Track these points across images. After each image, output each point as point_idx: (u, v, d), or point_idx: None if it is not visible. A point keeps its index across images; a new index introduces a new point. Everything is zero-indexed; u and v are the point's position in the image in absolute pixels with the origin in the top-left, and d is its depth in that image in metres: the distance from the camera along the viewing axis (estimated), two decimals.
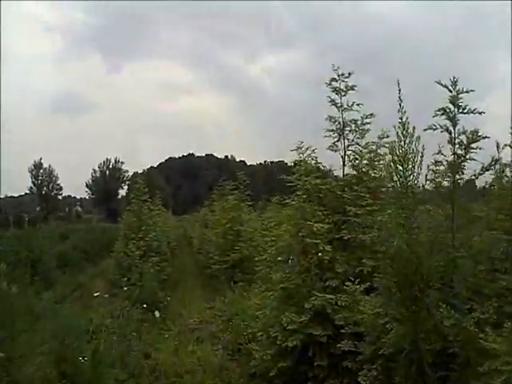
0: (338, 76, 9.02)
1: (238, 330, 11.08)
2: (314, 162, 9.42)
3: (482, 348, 4.83)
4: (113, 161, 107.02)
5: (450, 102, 6.06)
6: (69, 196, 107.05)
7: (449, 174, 6.00)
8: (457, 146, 6.02)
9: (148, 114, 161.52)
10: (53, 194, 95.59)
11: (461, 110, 6.04)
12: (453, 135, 6.02)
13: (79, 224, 60.48)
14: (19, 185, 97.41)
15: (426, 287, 5.55)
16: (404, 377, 5.55)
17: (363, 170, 9.01)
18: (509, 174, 6.39)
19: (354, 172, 9.07)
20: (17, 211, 65.54)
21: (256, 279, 12.05)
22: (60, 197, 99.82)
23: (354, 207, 8.36)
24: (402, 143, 5.85)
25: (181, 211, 73.16)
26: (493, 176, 6.25)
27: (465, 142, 6.00)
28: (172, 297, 16.19)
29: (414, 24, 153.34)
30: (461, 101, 6.05)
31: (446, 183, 6.13)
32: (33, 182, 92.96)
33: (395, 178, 5.89)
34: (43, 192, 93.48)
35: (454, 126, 6.02)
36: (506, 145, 6.18)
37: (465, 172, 6.06)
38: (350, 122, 9.04)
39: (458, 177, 6.02)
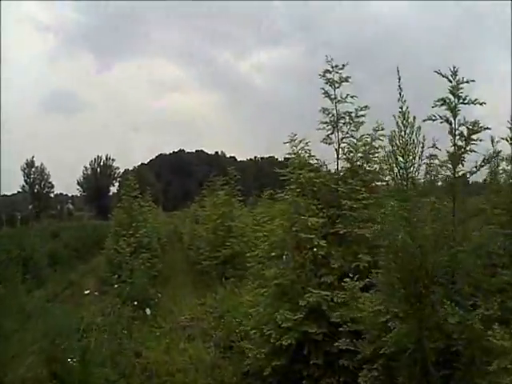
0: (332, 68, 8.82)
1: (230, 327, 10.95)
2: (307, 155, 9.22)
3: (487, 346, 4.68)
4: (104, 158, 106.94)
5: (450, 93, 5.93)
6: (60, 194, 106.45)
7: (449, 166, 5.83)
8: (457, 137, 5.86)
9: (139, 112, 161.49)
10: (45, 192, 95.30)
11: (461, 101, 5.89)
12: (453, 126, 5.87)
13: (70, 222, 60.55)
14: (12, 184, 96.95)
15: (430, 283, 5.36)
16: (407, 377, 5.36)
17: (358, 163, 8.81)
18: (506, 168, 6.26)
19: (349, 165, 8.87)
20: (9, 210, 65.21)
21: (248, 275, 11.92)
22: (52, 195, 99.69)
23: (349, 201, 8.18)
24: (403, 133, 5.67)
25: (171, 207, 72.90)
26: (487, 170, 6.18)
27: (465, 134, 5.85)
28: (163, 293, 16.00)
29: (408, 23, 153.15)
30: (461, 91, 5.91)
31: (441, 177, 5.99)
32: (25, 181, 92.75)
33: (395, 170, 5.71)
34: (35, 190, 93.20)
35: (455, 116, 5.88)
36: (502, 138, 6.08)
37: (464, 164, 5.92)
38: (345, 114, 8.83)
39: (458, 169, 5.86)
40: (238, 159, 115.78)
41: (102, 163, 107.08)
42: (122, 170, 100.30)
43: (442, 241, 5.47)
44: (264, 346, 8.12)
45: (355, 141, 8.84)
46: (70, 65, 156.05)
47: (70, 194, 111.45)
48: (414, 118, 5.71)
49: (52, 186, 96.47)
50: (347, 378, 6.96)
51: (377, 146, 8.71)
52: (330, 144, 8.86)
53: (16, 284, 11.69)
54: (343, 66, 8.79)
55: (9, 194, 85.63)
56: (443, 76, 5.94)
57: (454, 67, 5.96)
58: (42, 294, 15.16)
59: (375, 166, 8.75)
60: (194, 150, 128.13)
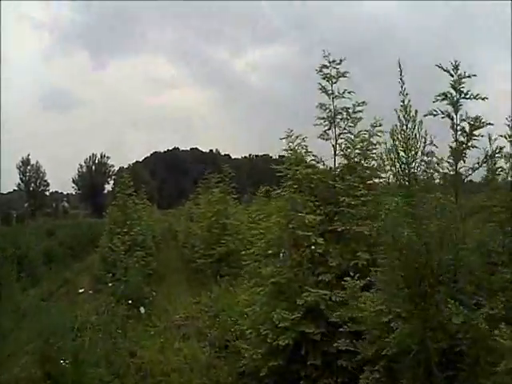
0: (329, 63, 8.72)
1: (225, 326, 10.88)
2: (304, 151, 9.08)
3: (492, 346, 4.56)
4: (99, 156, 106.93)
5: (452, 87, 5.81)
6: (56, 192, 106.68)
7: (450, 162, 5.72)
8: (459, 132, 5.75)
9: (134, 110, 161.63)
10: (40, 190, 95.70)
11: (463, 96, 5.78)
12: (455, 121, 5.76)
13: (66, 220, 60.58)
14: (8, 182, 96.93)
15: (435, 282, 5.21)
16: (411, 378, 5.22)
17: (355, 159, 8.68)
18: (504, 165, 6.15)
19: (346, 161, 8.74)
20: (5, 208, 65.29)
21: (243, 273, 11.81)
22: (47, 193, 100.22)
23: (346, 197, 8.05)
24: (404, 127, 5.55)
25: (166, 205, 73.01)
26: (485, 168, 6.05)
27: (467, 129, 5.74)
28: (157, 292, 16.02)
29: (402, 23, 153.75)
30: (463, 86, 5.80)
31: (440, 173, 5.89)
32: (21, 179, 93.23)
33: (397, 165, 5.58)
34: (31, 188, 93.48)
35: (456, 111, 5.77)
36: (500, 135, 5.96)
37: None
38: (342, 109, 8.74)
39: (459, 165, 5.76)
40: (233, 157, 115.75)
41: (96, 161, 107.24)
42: (116, 168, 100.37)
43: (447, 238, 5.34)
44: (260, 346, 8.00)
45: (352, 137, 8.72)
46: (65, 63, 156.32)
47: (65, 192, 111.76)
48: (416, 111, 5.60)
49: (47, 184, 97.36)
50: (345, 379, 6.87)
51: (375, 142, 8.59)
52: (327, 140, 8.76)
53: (11, 282, 11.73)
54: (340, 60, 8.69)
55: (4, 192, 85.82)
56: (445, 70, 5.86)
57: (456, 61, 5.87)
58: (37, 293, 15.20)
59: (373, 162, 8.61)
60: (188, 148, 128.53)
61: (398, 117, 5.60)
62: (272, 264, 8.42)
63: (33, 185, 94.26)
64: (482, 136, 5.80)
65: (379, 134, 8.45)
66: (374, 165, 8.57)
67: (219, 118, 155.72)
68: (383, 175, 7.90)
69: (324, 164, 8.96)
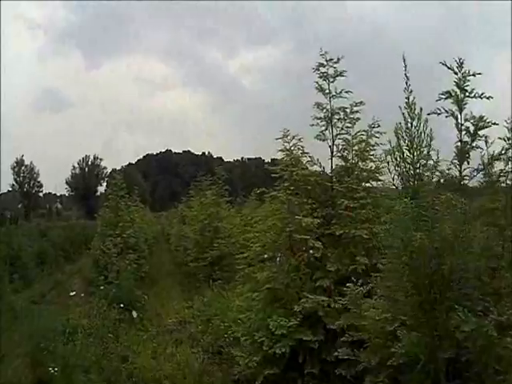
0: (326, 61, 8.52)
1: (218, 332, 10.68)
2: (300, 152, 8.87)
3: (501, 354, 4.36)
4: (92, 158, 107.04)
5: (456, 85, 5.64)
6: (49, 193, 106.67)
7: (456, 162, 5.55)
8: (463, 132, 5.57)
9: (127, 111, 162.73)
10: (34, 191, 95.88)
11: (467, 94, 5.60)
12: (459, 121, 5.57)
13: (59, 221, 60.48)
14: (1, 183, 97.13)
15: (446, 288, 4.98)
16: None
17: (353, 160, 8.47)
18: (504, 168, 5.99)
19: (343, 163, 8.55)
20: None
21: (238, 278, 11.62)
22: (41, 194, 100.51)
23: (344, 200, 7.84)
24: (409, 125, 5.36)
25: (159, 207, 73.32)
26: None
27: (471, 129, 5.57)
28: (150, 295, 15.91)
29: (396, 23, 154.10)
30: (467, 84, 5.63)
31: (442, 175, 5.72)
32: (15, 180, 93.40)
33: (402, 165, 5.39)
34: (25, 189, 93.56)
35: (461, 110, 5.59)
36: (499, 138, 5.79)
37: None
38: (339, 109, 8.52)
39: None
40: (225, 160, 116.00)
41: (89, 163, 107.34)
42: (109, 170, 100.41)
43: (458, 242, 5.11)
44: (256, 353, 7.77)
45: (350, 138, 8.52)
46: (58, 63, 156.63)
47: (58, 194, 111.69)
48: (421, 109, 5.43)
49: (41, 186, 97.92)
50: None
51: (373, 143, 8.39)
52: (323, 140, 8.56)
53: (4, 284, 11.61)
54: (338, 59, 8.48)
55: None
56: (449, 68, 5.69)
57: (460, 59, 5.70)
58: (29, 295, 15.24)
59: (371, 164, 8.42)
60: (181, 151, 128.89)
61: (403, 114, 5.44)
62: (268, 269, 8.23)
63: (27, 186, 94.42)
64: (486, 137, 5.66)
65: (377, 135, 8.27)
66: (371, 166, 8.37)
67: (212, 120, 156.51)
68: (382, 177, 7.77)
69: (321, 165, 8.77)
